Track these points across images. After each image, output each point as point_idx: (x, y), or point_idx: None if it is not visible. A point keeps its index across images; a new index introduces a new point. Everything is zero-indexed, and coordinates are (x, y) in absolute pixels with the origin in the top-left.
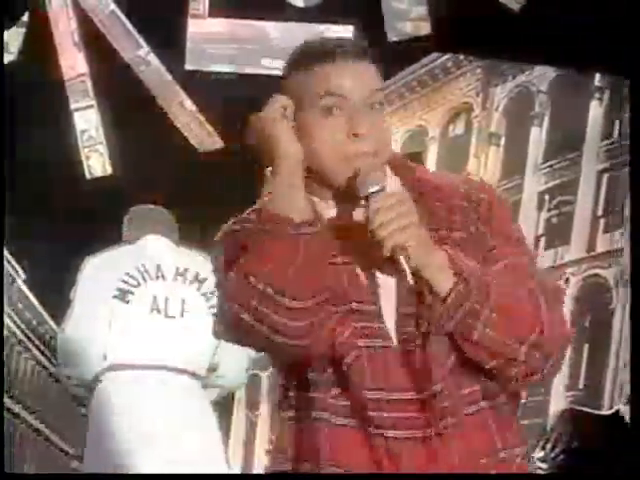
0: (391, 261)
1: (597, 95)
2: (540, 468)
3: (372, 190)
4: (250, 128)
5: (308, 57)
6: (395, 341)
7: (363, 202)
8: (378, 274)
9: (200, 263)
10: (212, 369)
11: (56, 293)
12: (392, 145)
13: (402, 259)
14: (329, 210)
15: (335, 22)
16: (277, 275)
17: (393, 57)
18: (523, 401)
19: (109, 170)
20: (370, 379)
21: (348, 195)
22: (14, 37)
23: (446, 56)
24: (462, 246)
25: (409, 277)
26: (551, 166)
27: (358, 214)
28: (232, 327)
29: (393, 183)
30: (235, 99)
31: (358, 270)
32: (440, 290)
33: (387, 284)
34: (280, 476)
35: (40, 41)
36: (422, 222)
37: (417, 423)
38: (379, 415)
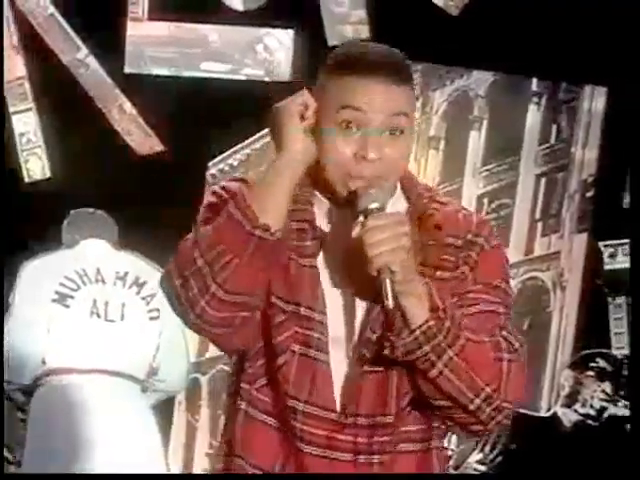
0: (374, 280)
1: (535, 100)
2: (477, 470)
3: (371, 207)
4: (269, 116)
5: (344, 64)
6: (335, 358)
7: (360, 217)
8: (350, 292)
9: (140, 267)
10: (152, 373)
11: None
12: (405, 170)
13: (387, 281)
14: (325, 209)
15: (275, 26)
16: (218, 260)
17: None
18: None
19: (48, 173)
20: (292, 386)
21: (348, 206)
22: None
23: None
24: (445, 285)
25: (390, 300)
26: (490, 170)
27: (352, 227)
28: (165, 275)
29: (400, 206)
30: (174, 102)
31: (324, 279)
32: (413, 321)
33: (359, 305)
34: (276, 476)
35: None
36: (413, 252)
37: (340, 446)
38: (294, 425)
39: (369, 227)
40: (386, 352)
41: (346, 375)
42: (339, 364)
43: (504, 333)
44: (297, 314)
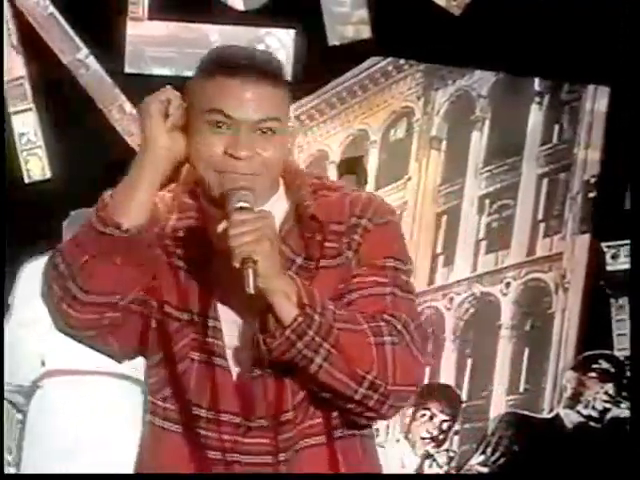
0: (239, 275)
1: (537, 99)
2: (479, 472)
3: (237, 206)
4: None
5: (214, 64)
6: (232, 363)
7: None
8: (241, 297)
9: None
10: None
11: None
12: (288, 167)
13: (249, 270)
14: (212, 216)
15: (276, 26)
16: (76, 262)
17: (334, 61)
18: (464, 405)
19: (48, 174)
20: (194, 394)
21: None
22: None
23: (387, 60)
24: (331, 273)
25: (250, 288)
26: (491, 170)
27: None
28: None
29: (281, 205)
30: None
31: (215, 286)
32: (283, 318)
33: (249, 309)
34: (276, 476)
35: None
36: (295, 249)
37: (246, 449)
38: (199, 432)
39: (232, 221)
40: (264, 355)
41: (245, 378)
42: (237, 368)
43: (386, 316)
44: (191, 322)
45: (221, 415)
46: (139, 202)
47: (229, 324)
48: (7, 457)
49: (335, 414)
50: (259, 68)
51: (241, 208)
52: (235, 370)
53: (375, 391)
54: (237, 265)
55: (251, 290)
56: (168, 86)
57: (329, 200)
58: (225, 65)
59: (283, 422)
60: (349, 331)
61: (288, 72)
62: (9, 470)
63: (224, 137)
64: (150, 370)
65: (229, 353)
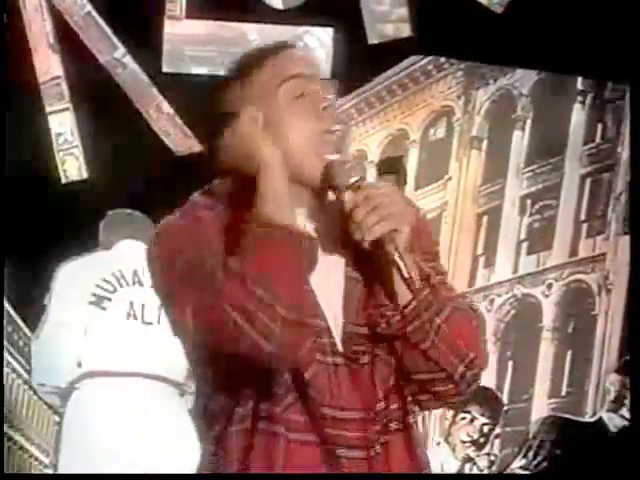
0: (373, 253)
1: (579, 98)
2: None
3: (352, 181)
4: (226, 143)
5: (255, 58)
6: (342, 359)
7: (339, 194)
8: (324, 289)
9: None
10: (190, 376)
11: (31, 299)
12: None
13: (393, 250)
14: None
15: (315, 24)
16: (275, 283)
17: (373, 60)
18: (505, 408)
19: (85, 174)
20: (328, 396)
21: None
22: None
23: (427, 59)
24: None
25: (403, 269)
26: (533, 170)
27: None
28: (216, 329)
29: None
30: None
31: (309, 284)
32: (402, 292)
33: (333, 300)
34: (273, 476)
35: (14, 43)
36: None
37: (362, 444)
38: (337, 433)
39: (362, 196)
40: (380, 329)
41: (354, 369)
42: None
43: (461, 299)
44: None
45: (348, 413)
46: (292, 209)
47: (332, 320)
48: (44, 459)
49: (409, 399)
50: (290, 43)
51: (358, 181)
52: (345, 366)
53: (471, 371)
54: (371, 246)
55: (412, 276)
56: (245, 107)
57: None
58: (265, 52)
59: (377, 412)
60: (457, 309)
61: (327, 71)
62: (46, 472)
63: (310, 108)
64: (273, 384)
65: (340, 349)
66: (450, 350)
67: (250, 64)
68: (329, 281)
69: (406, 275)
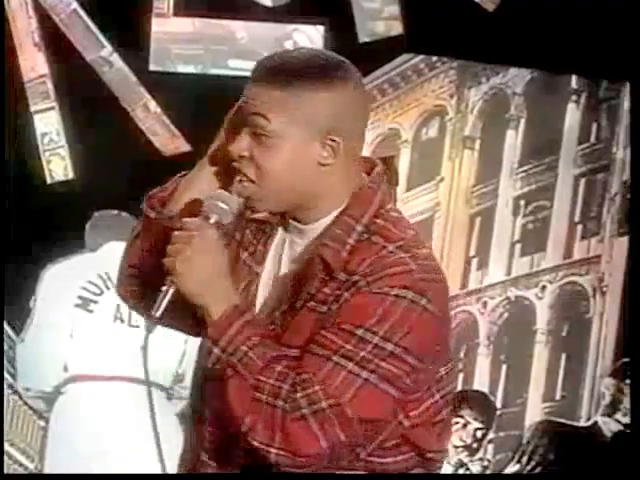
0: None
1: (574, 98)
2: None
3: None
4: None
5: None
6: None
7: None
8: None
9: None
10: (178, 380)
11: (16, 301)
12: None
13: (167, 286)
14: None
15: (305, 22)
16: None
17: (364, 58)
18: (498, 413)
19: (71, 174)
20: None
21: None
22: None
23: (419, 57)
24: (312, 317)
25: (157, 307)
26: (527, 170)
27: None
28: None
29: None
30: (201, 101)
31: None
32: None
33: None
34: (278, 476)
35: None
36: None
37: None
38: None
39: (176, 234)
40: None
41: None
42: None
43: (302, 377)
44: None
45: None
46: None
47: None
48: (29, 465)
49: None
50: (282, 70)
51: (185, 222)
52: None
53: (254, 440)
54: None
55: (153, 311)
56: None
57: (365, 249)
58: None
59: None
60: (249, 371)
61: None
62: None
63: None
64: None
65: None
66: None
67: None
68: None
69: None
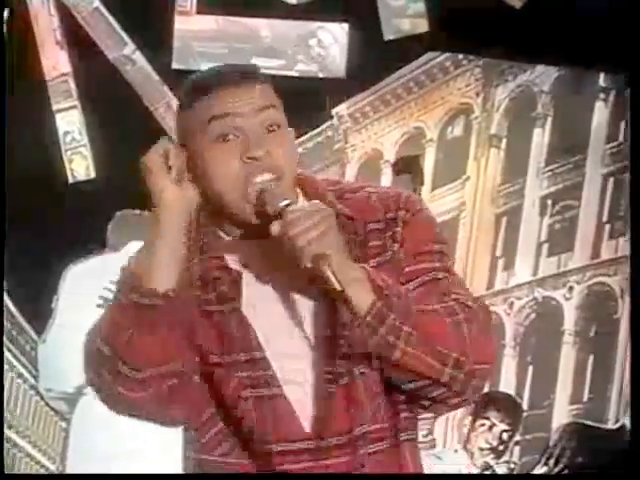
0: (312, 276)
1: (602, 96)
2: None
3: (281, 204)
4: (140, 172)
5: (191, 94)
6: (285, 389)
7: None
8: (282, 318)
9: None
10: None
11: (37, 301)
12: (304, 175)
13: (325, 268)
14: (235, 247)
15: (329, 20)
16: (120, 342)
17: (389, 56)
18: (525, 414)
19: (93, 174)
20: (260, 431)
21: (255, 229)
22: None
23: (444, 55)
24: (381, 270)
25: (336, 284)
26: (554, 169)
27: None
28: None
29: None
30: None
31: (252, 317)
32: (360, 306)
33: (295, 327)
34: (279, 476)
35: (20, 39)
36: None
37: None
38: (275, 468)
39: (289, 220)
40: (343, 350)
41: (307, 401)
42: (295, 393)
43: (453, 296)
44: (236, 362)
45: (291, 444)
46: (167, 264)
47: (276, 350)
48: (51, 466)
49: (404, 415)
50: (232, 74)
51: (287, 205)
52: (293, 395)
53: (460, 369)
54: (308, 265)
55: (339, 287)
56: (163, 138)
57: (356, 201)
58: (200, 88)
59: (359, 435)
60: (425, 312)
61: (342, 68)
62: None
63: (234, 145)
64: (199, 432)
65: (283, 379)
66: (427, 355)
67: (192, 96)
68: (273, 310)
69: (338, 289)
